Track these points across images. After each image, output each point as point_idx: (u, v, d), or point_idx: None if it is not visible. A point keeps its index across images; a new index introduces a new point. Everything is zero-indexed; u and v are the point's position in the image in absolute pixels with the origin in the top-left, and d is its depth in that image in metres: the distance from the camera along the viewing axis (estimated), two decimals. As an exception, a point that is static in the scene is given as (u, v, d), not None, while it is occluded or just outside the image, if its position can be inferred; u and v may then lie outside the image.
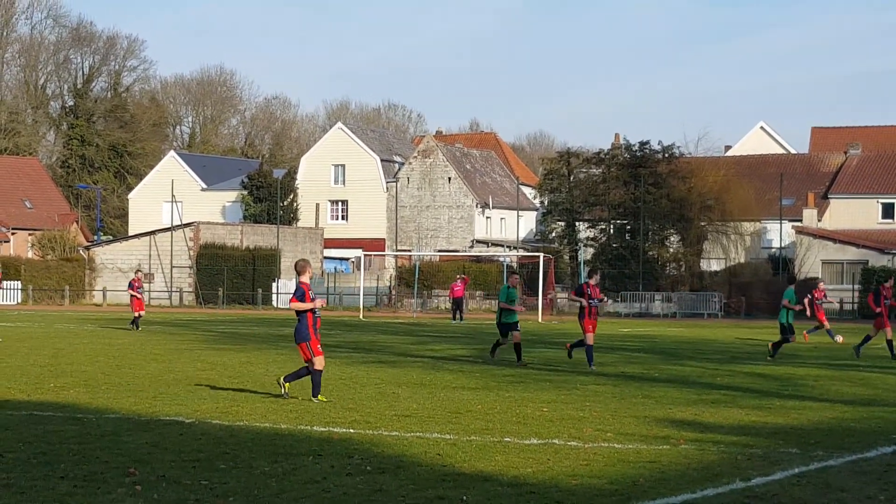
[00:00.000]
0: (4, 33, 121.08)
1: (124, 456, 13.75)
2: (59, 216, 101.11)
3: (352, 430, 16.22)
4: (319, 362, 19.79)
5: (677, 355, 33.58)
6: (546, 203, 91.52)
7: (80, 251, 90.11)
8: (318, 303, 19.86)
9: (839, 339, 39.13)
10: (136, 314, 44.44)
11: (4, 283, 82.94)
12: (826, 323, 41.17)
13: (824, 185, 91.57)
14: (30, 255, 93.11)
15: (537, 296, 64.25)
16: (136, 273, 46.87)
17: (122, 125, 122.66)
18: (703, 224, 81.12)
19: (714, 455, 14.33)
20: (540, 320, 59.12)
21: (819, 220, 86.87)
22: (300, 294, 19.60)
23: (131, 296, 45.32)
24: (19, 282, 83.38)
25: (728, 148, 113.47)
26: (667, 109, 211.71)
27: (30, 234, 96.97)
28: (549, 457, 14.03)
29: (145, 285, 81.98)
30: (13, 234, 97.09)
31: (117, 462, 13.32)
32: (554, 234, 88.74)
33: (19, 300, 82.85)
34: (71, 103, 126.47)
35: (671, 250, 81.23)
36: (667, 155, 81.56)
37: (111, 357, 29.98)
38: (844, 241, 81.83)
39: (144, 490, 11.73)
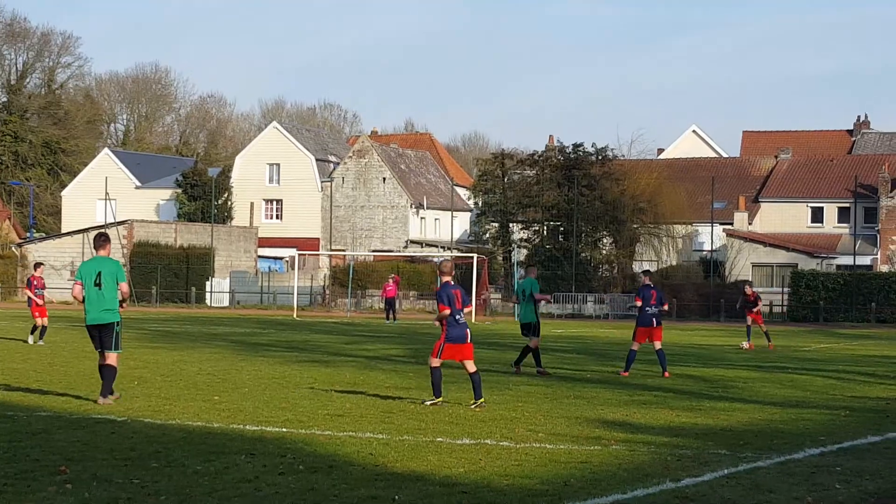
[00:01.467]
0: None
1: (55, 454, 13.68)
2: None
3: (285, 430, 16.22)
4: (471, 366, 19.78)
5: (609, 356, 33.82)
6: (480, 204, 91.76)
7: (13, 248, 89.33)
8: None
9: (745, 345, 39.11)
10: (39, 323, 35.17)
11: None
12: (762, 325, 41.01)
13: (755, 188, 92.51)
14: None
15: (471, 297, 64.41)
16: (35, 269, 37.61)
17: (55, 122, 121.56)
18: (635, 226, 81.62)
19: (644, 456, 14.46)
20: (473, 321, 59.21)
21: (750, 224, 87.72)
22: (447, 298, 19.56)
23: (29, 299, 36.40)
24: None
25: (661, 151, 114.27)
26: (600, 112, 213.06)
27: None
28: (481, 457, 14.10)
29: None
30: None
31: (48, 460, 13.24)
32: (488, 236, 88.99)
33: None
34: (4, 99, 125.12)
35: (604, 252, 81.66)
36: (600, 157, 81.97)
37: (43, 354, 29.78)
38: (774, 244, 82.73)
39: (75, 488, 11.67)
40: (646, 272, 28.85)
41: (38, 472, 12.50)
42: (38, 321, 34.83)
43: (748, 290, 40.85)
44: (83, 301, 19.05)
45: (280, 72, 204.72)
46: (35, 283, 35.79)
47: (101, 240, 19.33)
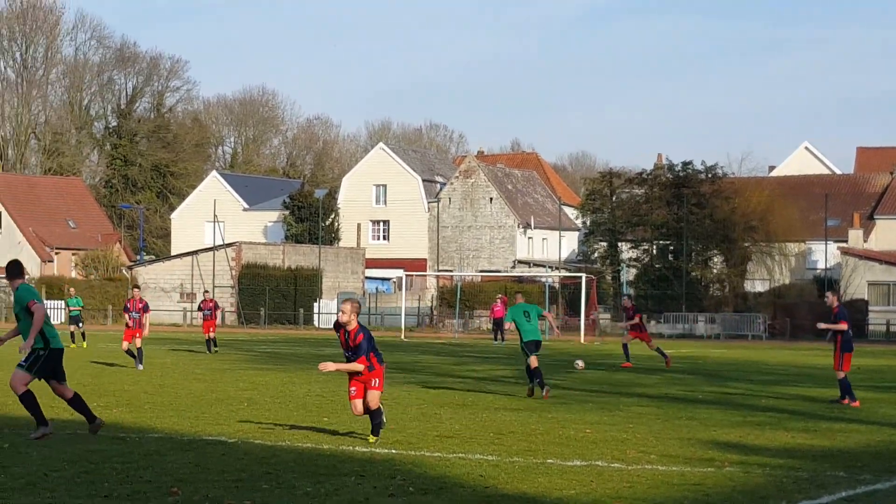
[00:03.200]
0: (49, 55, 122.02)
1: (167, 475, 13.73)
2: (103, 236, 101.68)
3: (394, 451, 16.14)
4: None
5: (721, 377, 33.35)
6: (588, 223, 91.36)
7: (123, 271, 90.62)
8: None
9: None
10: (125, 346, 35.69)
11: (48, 301, 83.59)
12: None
13: (870, 205, 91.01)
14: (73, 274, 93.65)
15: (579, 316, 64.09)
16: (131, 291, 38.19)
17: (164, 145, 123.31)
18: (746, 245, 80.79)
19: (759, 478, 14.18)
20: (582, 341, 58.90)
21: (865, 241, 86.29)
22: None
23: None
24: (63, 301, 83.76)
25: (772, 168, 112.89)
26: (710, 129, 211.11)
27: (73, 254, 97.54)
28: (592, 479, 13.91)
29: (187, 305, 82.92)
30: (57, 253, 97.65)
31: (160, 481, 13.30)
32: (596, 255, 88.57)
33: (63, 319, 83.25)
34: (114, 124, 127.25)
35: (714, 271, 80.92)
36: (710, 175, 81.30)
37: (153, 376, 30.04)
38: (891, 262, 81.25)
39: (187, 510, 11.72)
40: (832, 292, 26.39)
41: (151, 493, 12.55)
42: (125, 344, 34.37)
43: (627, 302, 38.27)
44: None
45: (386, 93, 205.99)
46: (130, 305, 34.98)
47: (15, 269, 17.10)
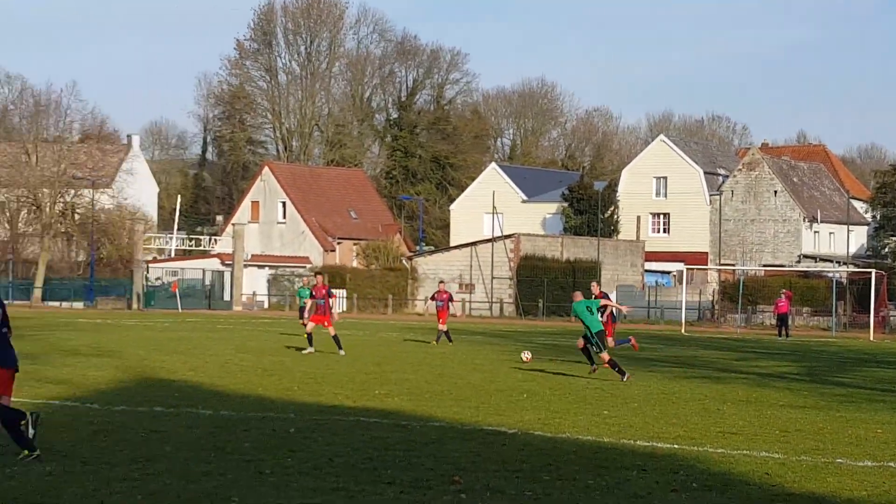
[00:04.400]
0: (332, 48, 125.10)
1: (449, 464, 13.79)
2: (383, 226, 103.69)
3: (676, 446, 15.86)
4: None
5: None
6: (878, 217, 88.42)
7: (403, 261, 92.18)
8: None
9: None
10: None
11: (333, 291, 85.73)
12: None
13: None
14: (354, 264, 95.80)
15: (868, 313, 62.15)
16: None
17: (444, 137, 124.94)
18: None
19: None
20: (871, 338, 57.14)
21: None
22: None
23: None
24: (344, 290, 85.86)
25: None
26: None
27: (355, 244, 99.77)
28: (884, 480, 13.38)
29: (465, 295, 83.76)
30: (339, 243, 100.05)
31: (442, 469, 13.36)
32: (887, 250, 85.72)
33: (344, 308, 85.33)
34: (395, 116, 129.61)
35: None
36: None
37: (433, 366, 30.34)
38: None
39: (469, 499, 11.71)
40: None
41: (433, 481, 12.61)
42: (310, 325, 34.80)
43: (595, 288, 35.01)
44: None
45: (667, 84, 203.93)
46: (315, 292, 35.69)
47: None
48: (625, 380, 25.83)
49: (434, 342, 40.65)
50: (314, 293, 35.49)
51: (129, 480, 12.24)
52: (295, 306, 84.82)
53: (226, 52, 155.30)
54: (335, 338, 33.91)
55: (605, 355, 26.49)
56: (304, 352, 33.84)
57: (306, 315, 36.36)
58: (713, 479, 13.26)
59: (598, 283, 35.07)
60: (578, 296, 28.22)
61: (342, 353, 33.21)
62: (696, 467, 14.07)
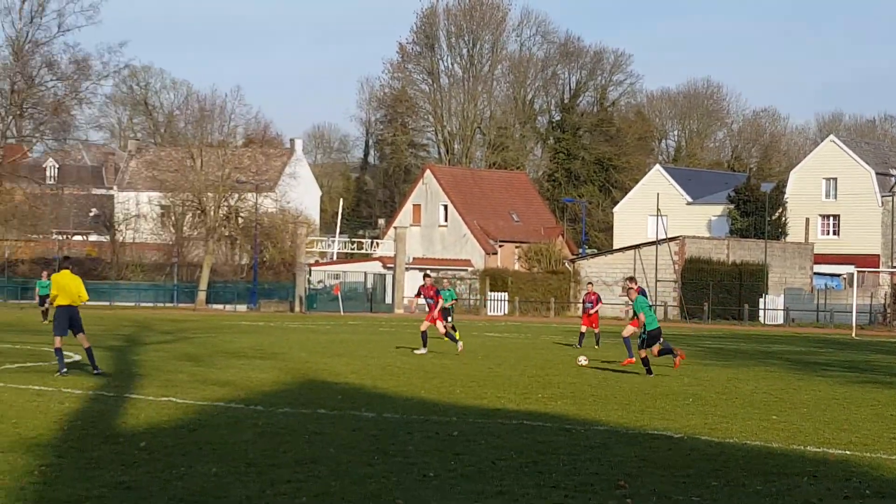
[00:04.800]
0: (495, 50, 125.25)
1: (614, 468, 13.59)
2: (545, 229, 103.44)
3: (848, 452, 15.43)
4: None
5: None
6: None
7: (566, 264, 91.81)
8: None
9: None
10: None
11: (492, 293, 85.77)
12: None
13: None
14: (516, 267, 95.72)
15: None
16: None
17: (607, 139, 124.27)
18: None
19: None
20: None
21: None
22: None
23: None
24: (506, 293, 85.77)
25: None
26: None
27: (517, 247, 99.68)
28: None
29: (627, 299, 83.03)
30: (501, 246, 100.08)
31: (607, 474, 13.16)
32: None
33: (506, 311, 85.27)
34: (557, 118, 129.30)
35: None
36: None
37: (596, 369, 30.04)
38: None
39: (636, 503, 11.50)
40: None
41: (598, 486, 12.43)
42: (424, 324, 35.07)
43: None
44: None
45: (837, 85, 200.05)
46: (423, 291, 36.11)
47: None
48: (651, 376, 27.12)
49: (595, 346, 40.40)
50: (423, 293, 35.58)
51: (293, 482, 12.26)
52: (458, 308, 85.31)
53: (388, 56, 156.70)
54: (448, 334, 34.84)
55: (644, 352, 27.51)
56: (416, 352, 33.98)
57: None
58: (888, 486, 12.87)
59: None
60: (636, 292, 28.69)
61: (460, 345, 34.03)
62: (869, 474, 13.65)
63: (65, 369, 23.80)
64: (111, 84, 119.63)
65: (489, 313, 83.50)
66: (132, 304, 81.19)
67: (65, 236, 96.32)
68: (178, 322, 54.63)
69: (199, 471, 12.76)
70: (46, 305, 50.46)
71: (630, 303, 29.31)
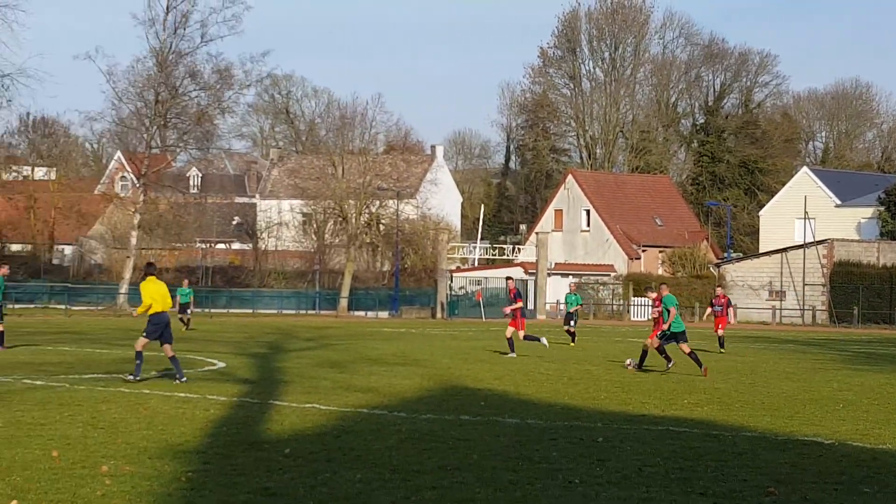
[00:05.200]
0: (637, 53, 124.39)
1: (763, 475, 13.33)
2: (689, 233, 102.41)
3: None
4: None
5: None
6: None
7: (710, 268, 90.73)
8: None
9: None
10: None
11: (635, 299, 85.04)
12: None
13: None
14: (660, 271, 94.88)
15: None
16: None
17: (752, 141, 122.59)
18: None
19: None
20: None
21: None
22: None
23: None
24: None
25: None
26: None
27: (660, 252, 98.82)
28: None
29: (776, 303, 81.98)
30: (644, 251, 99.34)
31: (756, 480, 12.92)
32: None
33: (650, 317, 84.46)
34: (701, 121, 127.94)
35: None
36: None
37: (743, 374, 29.60)
38: None
39: (786, 513, 11.23)
40: None
41: (747, 493, 12.22)
42: (509, 331, 35.19)
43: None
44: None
45: None
46: (715, 302, 38.33)
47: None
48: (669, 367, 28.59)
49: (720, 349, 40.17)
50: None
51: (438, 488, 12.19)
52: (600, 314, 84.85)
53: (529, 61, 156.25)
54: (528, 336, 35.35)
55: (655, 341, 28.92)
56: (507, 356, 34.20)
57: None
58: None
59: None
60: (666, 290, 29.73)
61: (512, 355, 34.09)
62: None
63: (139, 376, 23.48)
64: (253, 93, 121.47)
65: (632, 318, 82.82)
66: (274, 311, 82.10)
67: (208, 245, 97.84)
68: (320, 329, 55.09)
69: (343, 477, 12.76)
70: (189, 314, 51.31)
71: (656, 306, 29.75)
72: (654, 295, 30.21)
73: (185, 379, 23.31)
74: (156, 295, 23.82)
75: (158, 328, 23.80)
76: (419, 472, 13.13)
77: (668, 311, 28.73)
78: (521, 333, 34.94)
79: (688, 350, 28.70)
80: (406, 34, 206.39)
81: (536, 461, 14.12)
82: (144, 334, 23.83)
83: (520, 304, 35.44)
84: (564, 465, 13.79)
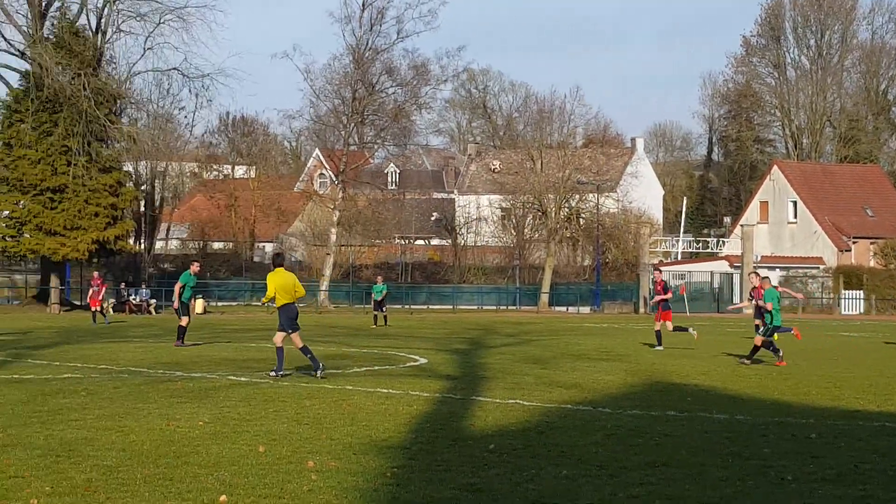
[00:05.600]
0: (844, 40, 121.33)
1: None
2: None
3: None
4: None
5: None
6: None
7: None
8: None
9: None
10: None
11: (846, 291, 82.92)
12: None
13: None
14: (872, 264, 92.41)
15: None
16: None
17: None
18: None
19: None
20: None
21: None
22: None
23: None
24: (861, 291, 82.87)
25: None
26: None
27: (871, 243, 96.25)
28: None
29: None
30: (854, 243, 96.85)
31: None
32: None
33: (862, 310, 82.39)
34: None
35: None
36: None
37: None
38: None
39: None
40: None
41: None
42: (658, 325, 35.14)
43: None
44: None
45: None
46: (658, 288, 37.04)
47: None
48: (778, 361, 28.57)
49: None
50: (658, 288, 35.95)
51: (645, 485, 11.95)
52: (809, 308, 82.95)
53: (731, 50, 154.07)
54: (677, 328, 35.09)
55: (759, 339, 29.18)
56: (655, 348, 34.19)
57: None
58: None
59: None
60: (767, 284, 30.29)
61: (660, 348, 34.05)
62: None
63: (282, 372, 23.53)
64: (450, 88, 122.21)
65: (843, 312, 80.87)
66: (475, 307, 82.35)
67: (407, 241, 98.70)
68: (521, 325, 55.02)
69: (549, 473, 12.59)
70: (384, 310, 51.72)
71: (758, 299, 30.16)
72: (757, 282, 30.90)
73: (322, 373, 23.13)
74: (280, 286, 23.62)
75: (290, 320, 23.71)
76: (626, 469, 12.90)
77: (767, 306, 29.32)
78: (670, 325, 34.75)
79: (759, 342, 29.06)
80: (606, 26, 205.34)
81: (747, 457, 13.76)
82: (279, 328, 23.88)
83: (668, 296, 35.33)
84: (776, 462, 13.40)
